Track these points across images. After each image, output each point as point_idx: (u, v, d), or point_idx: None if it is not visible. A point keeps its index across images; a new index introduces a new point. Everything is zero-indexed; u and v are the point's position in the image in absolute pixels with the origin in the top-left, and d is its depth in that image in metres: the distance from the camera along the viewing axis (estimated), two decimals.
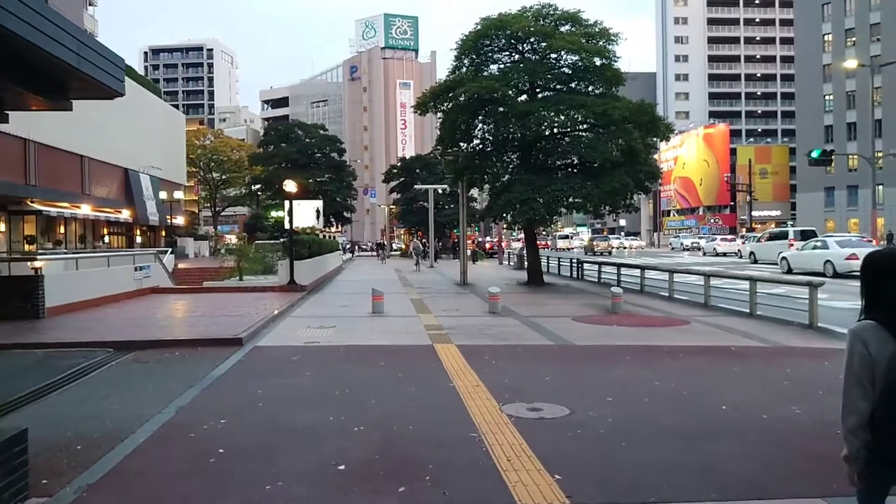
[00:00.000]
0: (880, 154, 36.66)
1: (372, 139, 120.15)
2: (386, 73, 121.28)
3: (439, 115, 23.65)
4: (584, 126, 21.54)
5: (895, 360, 2.55)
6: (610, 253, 53.22)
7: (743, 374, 8.22)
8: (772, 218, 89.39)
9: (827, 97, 76.36)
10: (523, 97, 22.65)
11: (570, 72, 22.25)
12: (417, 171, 56.11)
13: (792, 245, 30.16)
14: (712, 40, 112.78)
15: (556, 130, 22.16)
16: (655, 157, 23.26)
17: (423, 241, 43.72)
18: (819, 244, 26.43)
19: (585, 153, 20.36)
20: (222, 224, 78.71)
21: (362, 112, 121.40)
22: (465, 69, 22.82)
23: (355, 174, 66.98)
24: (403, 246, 59.70)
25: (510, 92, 21.62)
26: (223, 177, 68.07)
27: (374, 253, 48.03)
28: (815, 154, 35.52)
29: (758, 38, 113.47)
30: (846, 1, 74.46)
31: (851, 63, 37.87)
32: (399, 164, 61.01)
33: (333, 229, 72.43)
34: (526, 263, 25.86)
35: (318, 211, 46.23)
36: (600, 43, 21.75)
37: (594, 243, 57.40)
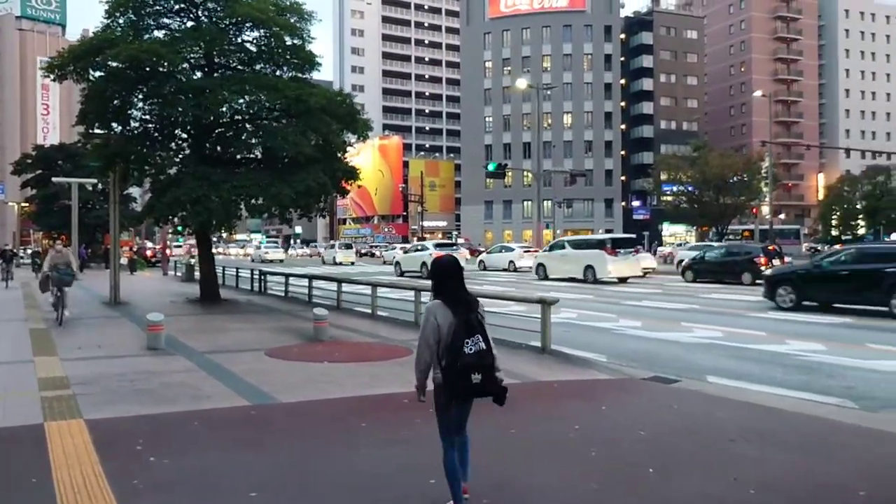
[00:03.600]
0: (532, 173, 39.61)
1: (2, 124, 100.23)
2: (23, 48, 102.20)
3: (83, 85, 18.33)
4: (275, 113, 18.17)
5: (452, 327, 3.85)
6: None
7: (524, 437, 5.84)
8: (439, 228, 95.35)
9: (487, 119, 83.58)
10: (199, 74, 18.58)
11: (256, 50, 18.80)
12: (60, 162, 46.56)
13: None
14: (387, 56, 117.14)
15: (238, 116, 18.44)
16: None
17: (65, 247, 35.30)
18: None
19: (277, 144, 16.91)
20: None
21: None
22: (120, 31, 17.90)
23: None
24: (41, 253, 49.10)
25: (183, 66, 17.45)
26: None
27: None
28: (491, 167, 37.01)
29: (427, 59, 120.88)
30: (504, 34, 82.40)
31: (522, 83, 40.60)
32: (34, 153, 50.34)
33: None
34: (198, 275, 21.53)
35: None
36: (293, 19, 18.64)
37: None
